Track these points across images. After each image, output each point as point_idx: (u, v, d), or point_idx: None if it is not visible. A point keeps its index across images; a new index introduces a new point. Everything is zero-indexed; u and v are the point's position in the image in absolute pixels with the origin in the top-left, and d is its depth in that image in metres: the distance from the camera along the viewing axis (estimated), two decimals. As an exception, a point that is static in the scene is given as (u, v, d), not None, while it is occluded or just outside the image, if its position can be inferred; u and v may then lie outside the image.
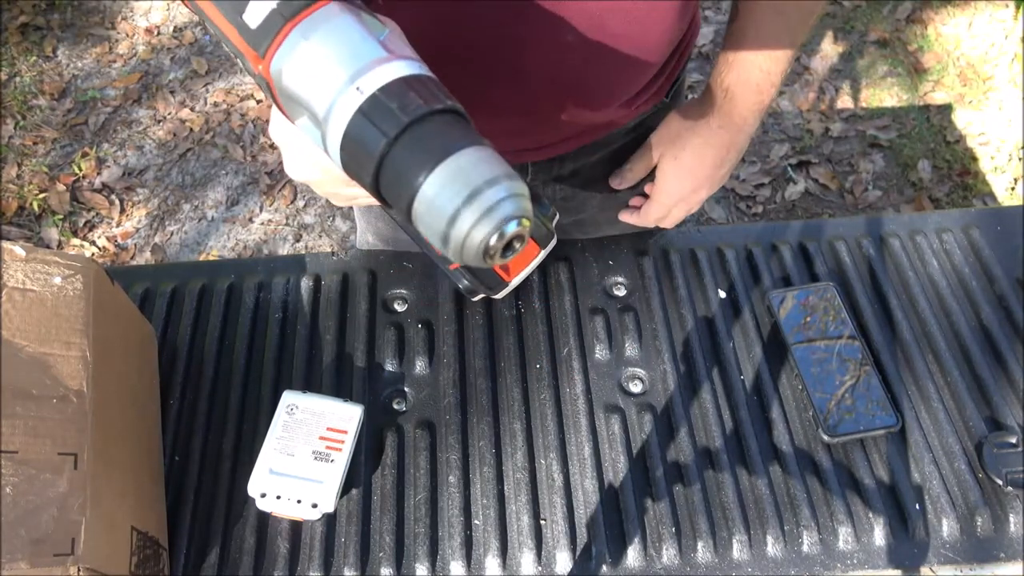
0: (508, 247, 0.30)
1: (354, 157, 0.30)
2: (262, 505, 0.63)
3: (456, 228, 0.28)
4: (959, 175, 1.95)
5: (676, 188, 0.72)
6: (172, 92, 2.13)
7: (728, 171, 0.71)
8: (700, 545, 0.64)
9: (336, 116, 0.30)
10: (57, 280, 0.58)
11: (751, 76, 0.63)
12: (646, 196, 0.76)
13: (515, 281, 0.46)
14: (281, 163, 1.98)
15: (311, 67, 0.30)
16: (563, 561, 0.64)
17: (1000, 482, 0.66)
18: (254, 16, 0.31)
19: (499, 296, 0.47)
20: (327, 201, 1.92)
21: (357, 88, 0.29)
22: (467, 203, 0.28)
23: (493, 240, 0.29)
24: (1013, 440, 0.68)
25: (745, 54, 0.63)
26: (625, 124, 0.74)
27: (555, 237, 0.44)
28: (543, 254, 0.44)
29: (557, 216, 0.45)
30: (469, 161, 0.29)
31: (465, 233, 0.28)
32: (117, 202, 1.92)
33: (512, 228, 0.29)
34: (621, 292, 0.79)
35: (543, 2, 0.54)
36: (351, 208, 0.95)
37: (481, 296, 0.47)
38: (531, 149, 0.71)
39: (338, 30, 0.30)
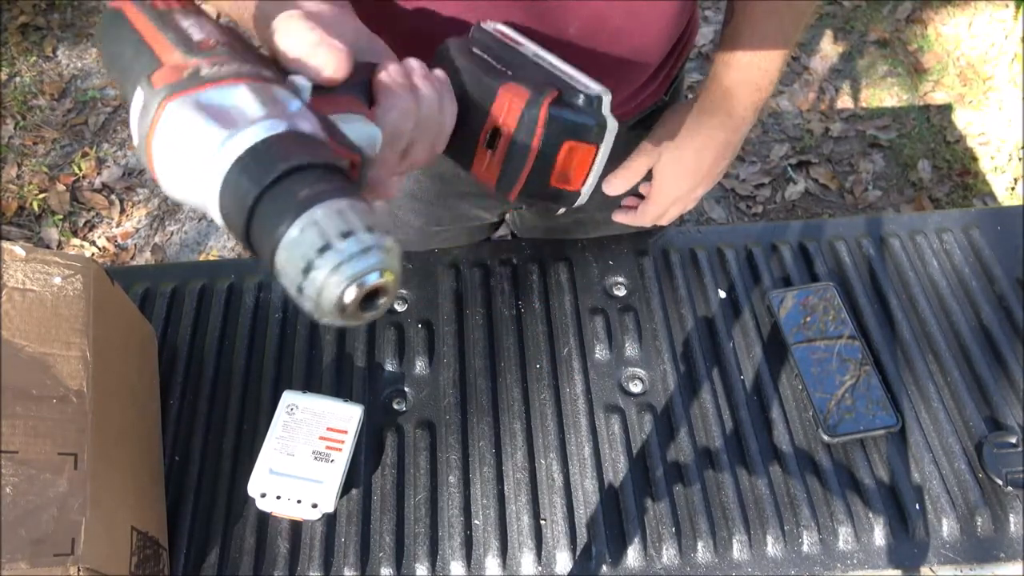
0: (368, 302, 0.29)
1: (227, 217, 0.30)
2: (262, 505, 0.63)
3: (309, 279, 0.28)
4: (959, 175, 1.95)
5: (675, 188, 0.72)
6: (172, 92, 2.13)
7: (725, 167, 0.71)
8: (700, 545, 0.64)
9: (211, 177, 0.30)
10: (57, 280, 0.58)
11: (749, 75, 0.63)
12: (641, 197, 0.76)
13: (586, 189, 0.46)
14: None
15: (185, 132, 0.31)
16: (563, 561, 0.64)
17: (1000, 482, 0.66)
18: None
19: (580, 204, 0.47)
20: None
21: (226, 148, 0.30)
22: (320, 254, 0.28)
23: (350, 294, 0.28)
24: (1013, 440, 0.68)
25: (742, 54, 0.63)
26: (624, 122, 0.74)
27: (611, 123, 0.43)
28: (604, 149, 0.43)
29: (608, 97, 0.43)
30: (327, 213, 0.28)
31: (319, 285, 0.28)
32: (117, 202, 1.92)
33: (371, 280, 0.28)
34: (621, 292, 0.79)
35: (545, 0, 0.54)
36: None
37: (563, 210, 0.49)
38: None
39: (220, 97, 0.31)
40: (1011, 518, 0.65)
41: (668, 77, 0.73)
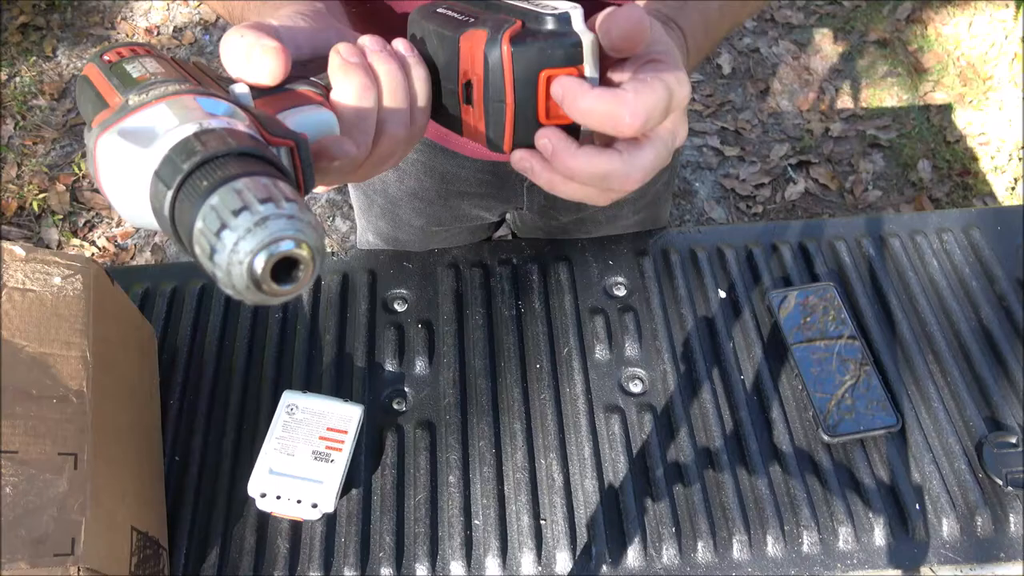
0: (284, 273, 0.28)
1: (164, 231, 0.31)
2: (262, 505, 0.63)
3: (216, 264, 0.27)
4: (959, 175, 1.95)
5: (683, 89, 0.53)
6: (172, 92, 2.13)
7: None
8: (700, 545, 0.64)
9: (143, 196, 0.31)
10: (57, 280, 0.58)
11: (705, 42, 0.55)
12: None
13: None
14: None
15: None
16: (563, 561, 0.64)
17: (1000, 482, 0.66)
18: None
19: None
20: (327, 201, 1.92)
21: (145, 164, 0.30)
22: (234, 216, 0.27)
23: (260, 261, 0.27)
24: (1013, 440, 0.68)
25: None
26: None
27: (586, 37, 0.38)
28: (588, 68, 0.39)
29: (578, 11, 0.39)
30: (248, 184, 0.28)
31: (229, 249, 0.27)
32: (117, 202, 1.92)
33: (284, 248, 0.27)
34: (621, 292, 0.79)
35: None
36: (351, 208, 0.95)
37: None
38: None
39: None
40: (1011, 518, 0.65)
41: None
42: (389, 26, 0.52)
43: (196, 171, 0.29)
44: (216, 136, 0.30)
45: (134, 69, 0.35)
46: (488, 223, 0.90)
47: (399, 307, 0.78)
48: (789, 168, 1.98)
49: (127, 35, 2.27)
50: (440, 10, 0.44)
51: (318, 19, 0.42)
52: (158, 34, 2.28)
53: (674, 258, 0.81)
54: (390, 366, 0.74)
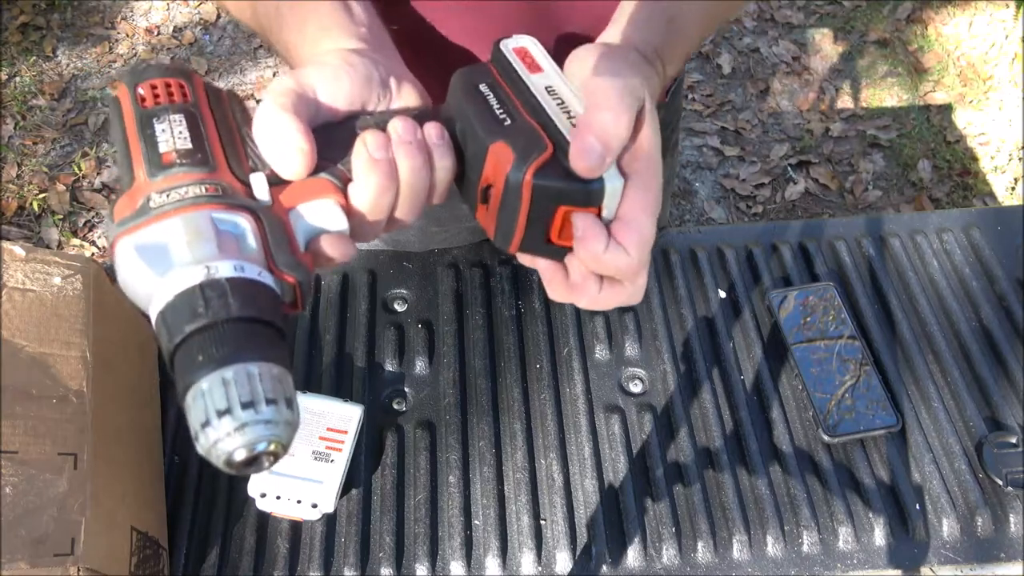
0: (255, 462, 0.32)
1: (161, 339, 0.34)
2: (262, 505, 0.63)
3: (204, 434, 0.31)
4: (959, 175, 1.95)
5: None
6: (172, 92, 2.13)
7: None
8: (700, 545, 0.64)
9: (153, 305, 0.34)
10: (57, 280, 0.58)
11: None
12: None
13: None
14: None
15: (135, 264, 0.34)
16: (563, 561, 0.64)
17: (1000, 482, 0.66)
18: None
19: None
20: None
21: (154, 296, 0.34)
22: (217, 417, 0.31)
23: (238, 456, 0.31)
24: (1013, 440, 0.68)
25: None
26: None
27: (612, 184, 0.38)
28: (607, 211, 0.40)
29: None
30: (236, 377, 0.32)
31: (211, 441, 0.31)
32: (117, 202, 1.92)
33: (259, 449, 0.31)
34: (621, 292, 0.79)
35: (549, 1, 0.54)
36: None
37: None
38: None
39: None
40: (1011, 518, 0.65)
41: None
42: (399, 29, 0.51)
43: (194, 335, 0.32)
44: (219, 294, 0.33)
45: (163, 132, 0.36)
46: None
47: (399, 307, 0.78)
48: (789, 168, 1.98)
49: (127, 35, 2.27)
50: (482, 88, 0.43)
51: (363, 57, 0.41)
52: (158, 34, 2.28)
53: (674, 258, 0.81)
54: (390, 366, 0.74)
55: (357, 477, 0.67)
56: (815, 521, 0.65)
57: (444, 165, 0.42)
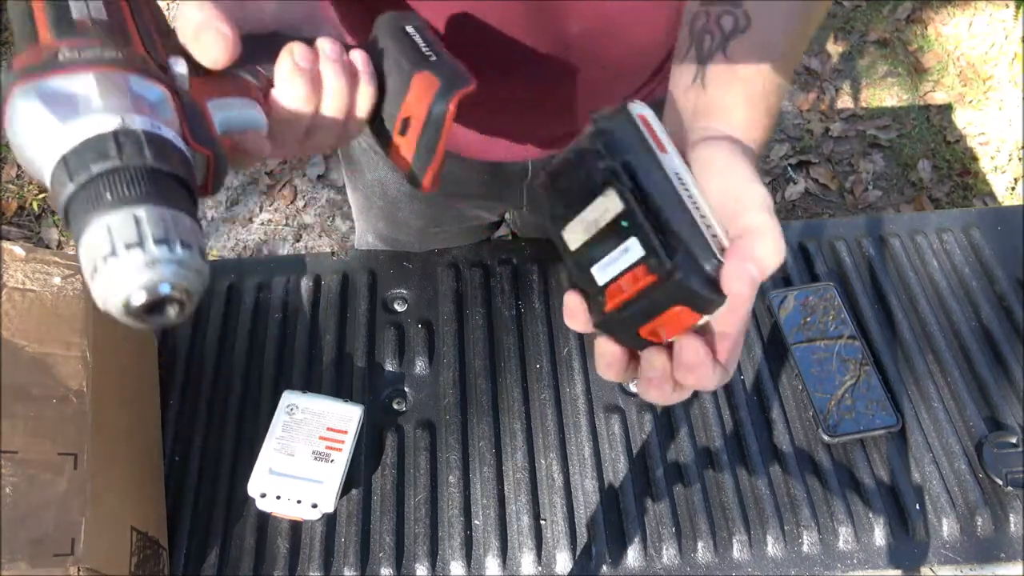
0: (159, 308, 0.29)
1: (54, 201, 0.31)
2: (262, 505, 0.63)
3: (105, 268, 0.28)
4: (959, 175, 1.95)
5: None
6: (172, 92, 2.13)
7: None
8: (700, 545, 0.64)
9: (45, 163, 0.31)
10: (57, 280, 0.58)
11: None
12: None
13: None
14: (281, 163, 1.99)
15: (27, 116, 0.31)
16: (563, 561, 0.64)
17: (1000, 482, 0.66)
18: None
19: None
20: (327, 201, 1.92)
21: (57, 140, 0.31)
22: (126, 249, 0.28)
23: (138, 297, 0.28)
24: (1013, 440, 0.68)
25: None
26: None
27: (723, 300, 0.34)
28: (702, 320, 0.35)
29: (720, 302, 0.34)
30: (149, 216, 0.29)
31: (111, 277, 0.28)
32: (117, 202, 1.92)
33: (163, 291, 0.29)
34: (621, 292, 0.79)
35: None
36: (351, 208, 0.95)
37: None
38: (533, 144, 0.71)
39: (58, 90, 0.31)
40: (1011, 518, 0.65)
41: (669, 74, 0.73)
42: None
43: (103, 176, 0.30)
44: (134, 142, 0.31)
45: (76, 3, 0.34)
46: (488, 223, 0.90)
47: (399, 307, 0.78)
48: (789, 168, 1.98)
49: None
50: (408, 30, 0.44)
51: None
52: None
53: (674, 258, 0.81)
54: (390, 366, 0.74)
55: (357, 477, 0.67)
56: (815, 521, 0.65)
57: (367, 92, 0.42)
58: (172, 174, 0.31)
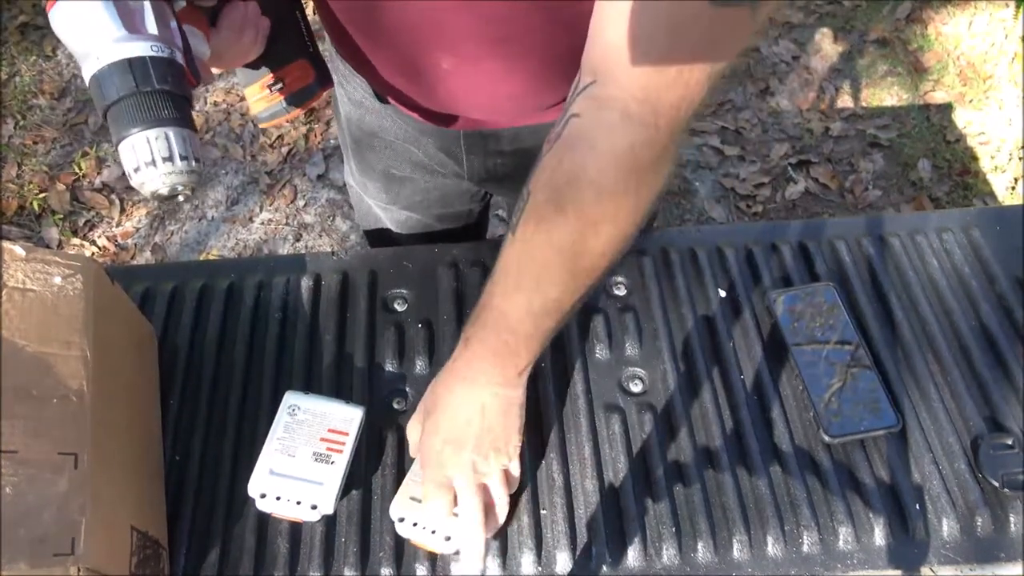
0: (172, 198, 0.48)
1: (91, 93, 0.47)
2: (262, 506, 0.63)
3: (137, 176, 0.46)
4: (959, 174, 1.95)
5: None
6: (172, 92, 2.13)
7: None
8: (700, 545, 0.64)
9: (86, 68, 0.47)
10: (57, 280, 0.58)
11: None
12: None
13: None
14: (281, 163, 1.99)
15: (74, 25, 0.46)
16: (563, 561, 0.64)
17: (996, 484, 0.66)
18: None
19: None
20: (327, 201, 1.92)
21: (97, 58, 0.46)
22: (159, 162, 0.46)
23: (162, 191, 0.47)
24: (1009, 441, 0.68)
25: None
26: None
27: None
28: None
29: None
30: (174, 136, 0.46)
31: (146, 178, 0.46)
32: (117, 201, 1.92)
33: (180, 189, 0.48)
34: (621, 292, 0.79)
35: None
36: (351, 208, 0.96)
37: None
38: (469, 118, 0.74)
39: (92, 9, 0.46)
40: (1011, 518, 0.65)
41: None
42: (430, 49, 0.64)
43: (149, 95, 0.46)
44: (177, 72, 0.48)
45: None
46: (461, 190, 0.90)
47: (399, 307, 0.78)
48: (789, 167, 1.98)
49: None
50: (298, 15, 0.71)
51: None
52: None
53: (674, 257, 0.81)
54: (390, 366, 0.74)
55: (357, 477, 0.67)
56: (815, 521, 0.65)
57: (259, 47, 0.64)
58: (187, 98, 0.48)
